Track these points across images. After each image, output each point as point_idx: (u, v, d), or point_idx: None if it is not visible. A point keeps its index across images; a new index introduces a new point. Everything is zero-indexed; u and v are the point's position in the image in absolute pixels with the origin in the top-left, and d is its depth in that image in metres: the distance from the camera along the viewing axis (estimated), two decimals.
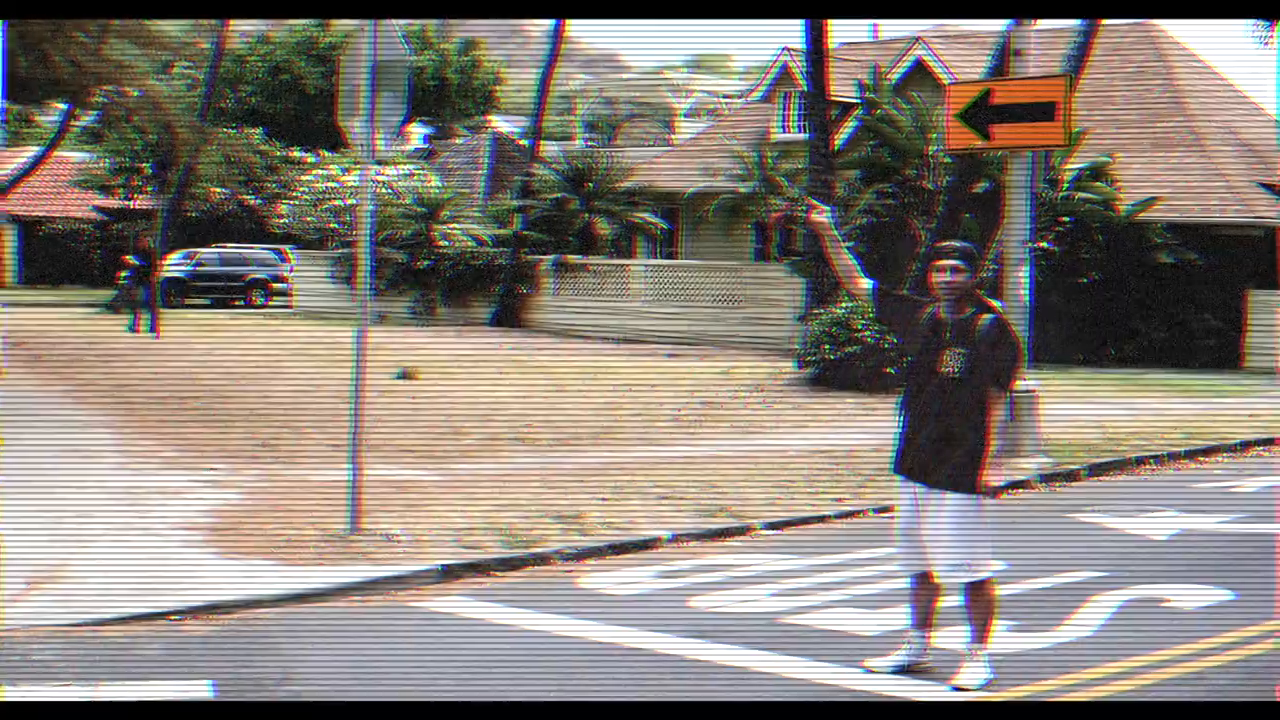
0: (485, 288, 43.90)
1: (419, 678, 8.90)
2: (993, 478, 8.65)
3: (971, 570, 8.71)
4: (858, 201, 33.33)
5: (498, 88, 76.58)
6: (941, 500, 8.70)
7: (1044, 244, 30.49)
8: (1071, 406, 22.82)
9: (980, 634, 8.75)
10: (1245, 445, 19.93)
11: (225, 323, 41.47)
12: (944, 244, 8.99)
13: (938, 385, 8.73)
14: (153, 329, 35.47)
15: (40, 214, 61.96)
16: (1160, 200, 33.43)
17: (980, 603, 8.76)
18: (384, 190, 46.61)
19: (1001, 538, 8.86)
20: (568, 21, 43.99)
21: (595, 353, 33.81)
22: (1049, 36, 33.20)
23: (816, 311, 26.32)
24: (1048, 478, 16.61)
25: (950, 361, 8.70)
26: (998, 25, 24.01)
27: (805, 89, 30.61)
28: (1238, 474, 17.62)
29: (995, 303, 8.95)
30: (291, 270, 51.85)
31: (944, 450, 8.69)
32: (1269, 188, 35.17)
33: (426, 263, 44.30)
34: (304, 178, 52.66)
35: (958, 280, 8.75)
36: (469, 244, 44.35)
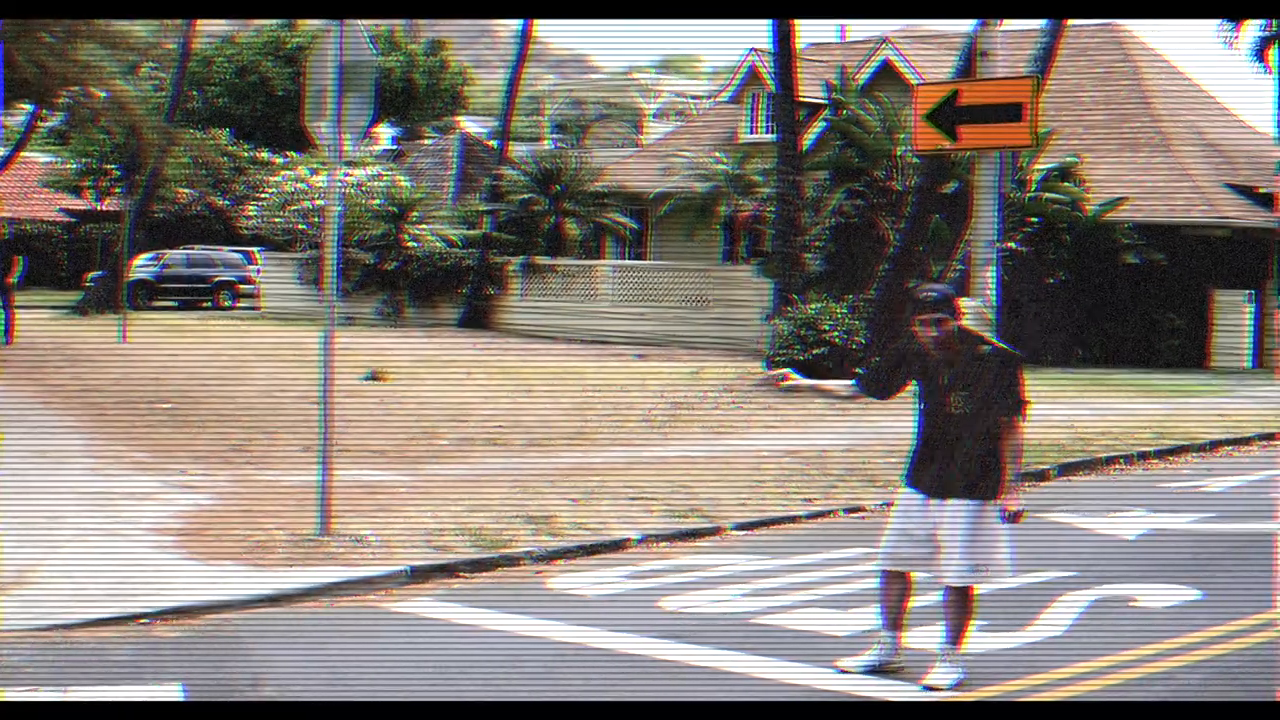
0: (453, 289, 43.85)
1: (389, 680, 8.89)
2: (1011, 502, 8.66)
3: (986, 573, 8.74)
4: (827, 203, 33.37)
5: (465, 88, 76.48)
6: (958, 506, 8.69)
7: (1012, 244, 30.57)
8: (1040, 407, 22.73)
9: (956, 635, 8.78)
10: (1214, 445, 20.04)
11: (193, 325, 41.32)
12: (922, 294, 8.88)
13: (951, 423, 8.73)
14: (5, 338, 33.25)
15: (7, 216, 61.67)
16: (1127, 201, 33.58)
17: (961, 604, 8.78)
18: (352, 192, 46.51)
19: None
20: (535, 23, 43.99)
21: (564, 354, 33.80)
22: (1016, 38, 33.27)
23: (786, 311, 26.35)
24: (1017, 478, 16.64)
25: (957, 404, 8.70)
26: (965, 26, 24.08)
27: (773, 90, 30.66)
28: (1206, 473, 17.72)
29: (989, 334, 8.91)
30: (259, 272, 51.69)
31: (962, 470, 8.69)
32: (1236, 188, 35.32)
33: (394, 264, 44.25)
34: (272, 179, 52.54)
35: (943, 334, 8.74)
36: (438, 245, 44.31)
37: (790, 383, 9.47)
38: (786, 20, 27.53)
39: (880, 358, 9.36)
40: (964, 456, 8.68)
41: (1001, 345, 8.84)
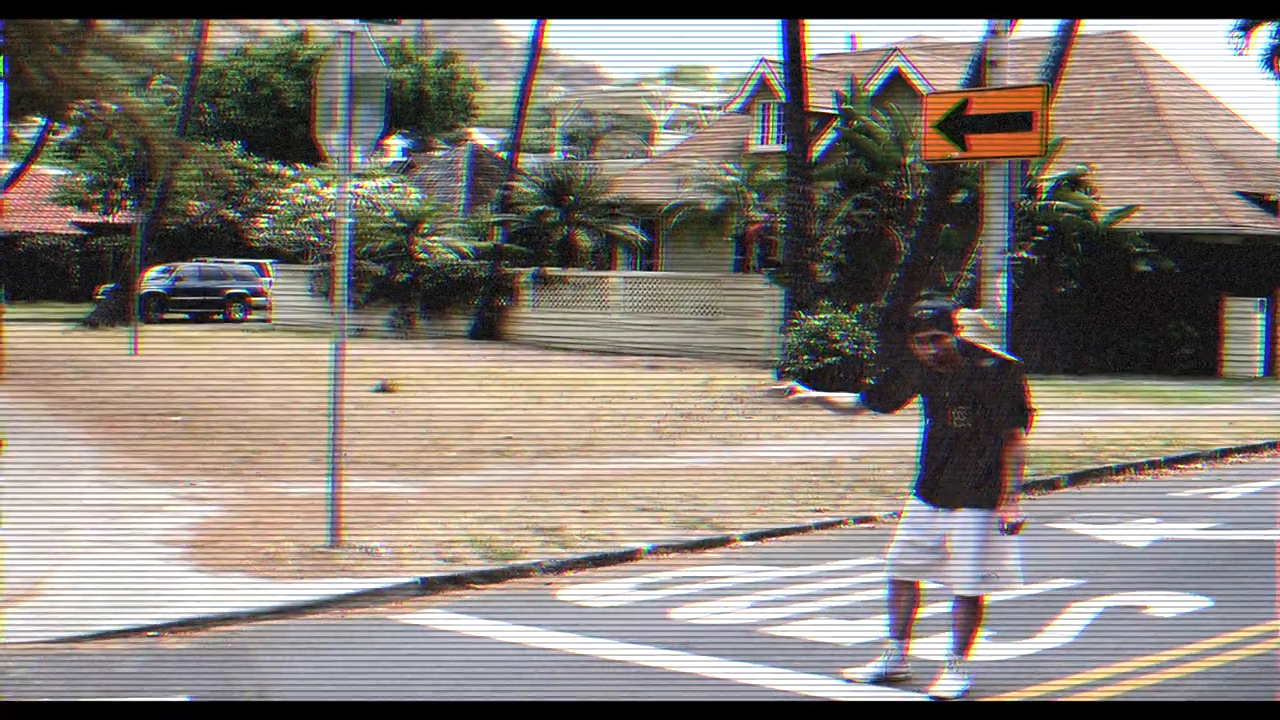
0: (464, 300, 43.88)
1: (398, 691, 8.89)
2: (1010, 513, 8.65)
3: (999, 582, 8.74)
4: (836, 212, 33.39)
5: (475, 96, 76.54)
6: (967, 516, 8.69)
7: (1023, 253, 30.56)
8: (1050, 415, 22.75)
9: (963, 644, 8.77)
10: (1224, 453, 20.00)
11: (204, 337, 41.40)
12: (916, 313, 8.95)
13: (954, 436, 8.74)
14: None
15: (18, 229, 61.84)
16: (1138, 209, 33.53)
17: (971, 613, 8.77)
18: (363, 203, 46.57)
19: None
20: (546, 33, 44.01)
21: (575, 365, 33.80)
22: (1026, 46, 33.36)
23: (795, 322, 26.34)
24: (1027, 486, 16.61)
25: (959, 418, 8.72)
26: (974, 36, 24.09)
27: (784, 100, 30.66)
28: (1216, 481, 17.68)
29: (990, 345, 8.90)
30: (271, 284, 51.77)
31: (968, 480, 8.68)
32: (1247, 196, 35.27)
33: (406, 276, 44.28)
34: (283, 191, 52.62)
35: (940, 350, 8.76)
36: (449, 257, 44.35)
37: (797, 395, 9.50)
38: (797, 29, 27.53)
39: (885, 372, 9.38)
40: (969, 467, 8.68)
41: (1004, 356, 8.83)
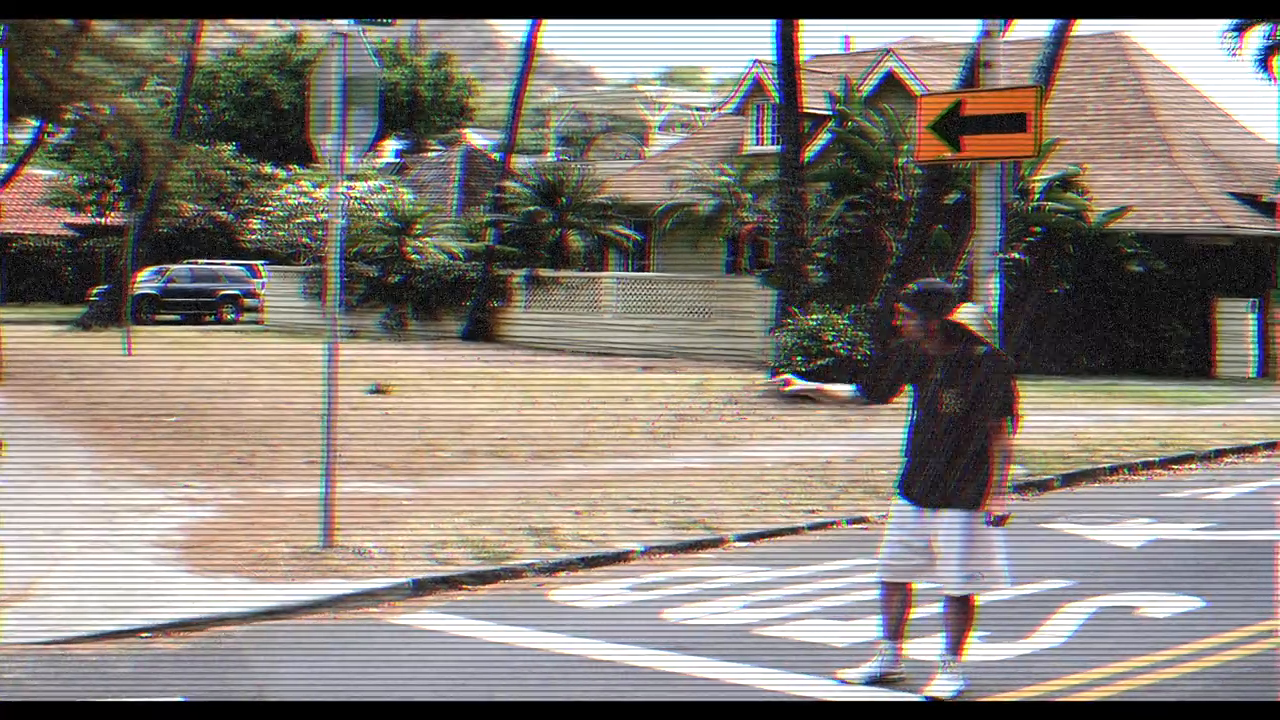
0: (457, 302, 43.85)
1: (391, 692, 8.88)
2: (996, 506, 8.64)
3: (985, 582, 8.74)
4: (829, 213, 33.37)
5: (470, 101, 76.55)
6: (952, 517, 8.69)
7: (1015, 254, 30.56)
8: (1044, 416, 22.84)
9: (956, 644, 8.77)
10: (1218, 454, 20.00)
11: (197, 339, 41.35)
12: (902, 291, 9.01)
13: (941, 423, 8.74)
14: None
15: (11, 231, 61.74)
16: (1130, 210, 33.54)
17: (962, 614, 8.77)
18: (356, 205, 46.55)
19: None
20: (540, 35, 44.01)
21: (568, 366, 33.79)
22: (1019, 48, 33.33)
23: (788, 323, 26.34)
24: (1021, 487, 16.62)
25: (949, 402, 8.73)
26: (968, 37, 24.09)
27: (777, 101, 30.65)
28: (1211, 482, 17.68)
29: (983, 334, 8.92)
30: (263, 285, 51.73)
31: (952, 476, 8.68)
32: (1239, 197, 35.29)
33: (398, 277, 44.26)
34: (276, 193, 52.57)
35: (910, 327, 8.81)
36: (441, 258, 44.34)
37: (793, 388, 9.50)
38: (790, 31, 27.53)
39: (881, 358, 9.42)
40: (954, 460, 8.67)
41: (997, 349, 8.86)
